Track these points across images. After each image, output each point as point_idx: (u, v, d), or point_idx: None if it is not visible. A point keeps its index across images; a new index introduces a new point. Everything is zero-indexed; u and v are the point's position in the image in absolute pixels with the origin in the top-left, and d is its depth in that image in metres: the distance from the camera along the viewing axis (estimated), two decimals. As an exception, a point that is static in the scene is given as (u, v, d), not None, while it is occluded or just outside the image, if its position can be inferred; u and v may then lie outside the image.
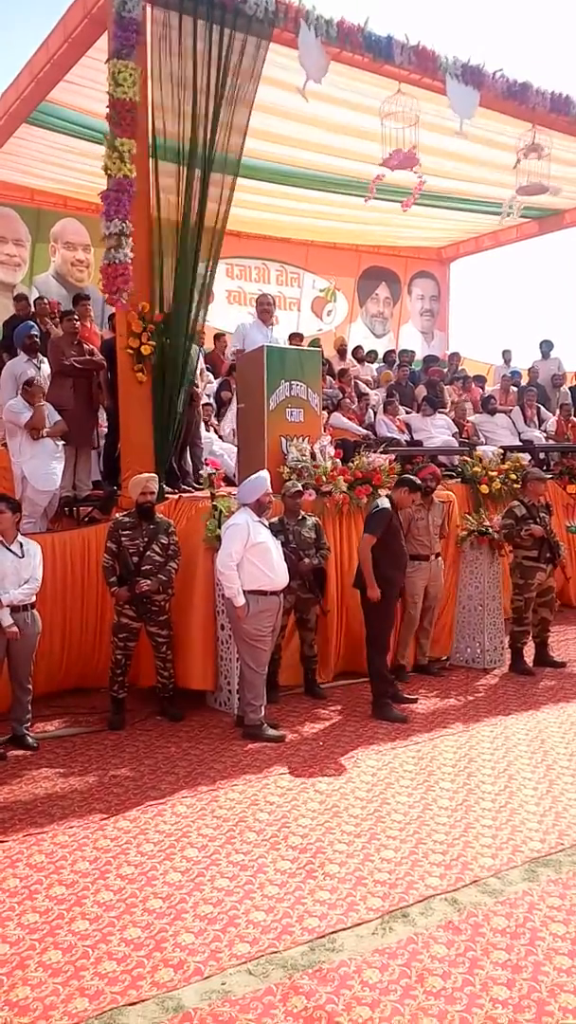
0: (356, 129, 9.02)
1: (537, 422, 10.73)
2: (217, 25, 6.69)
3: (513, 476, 8.28)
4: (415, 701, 6.29)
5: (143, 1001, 2.97)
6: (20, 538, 5.47)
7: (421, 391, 10.70)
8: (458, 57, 7.93)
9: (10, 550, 5.35)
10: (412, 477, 6.42)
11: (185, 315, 6.79)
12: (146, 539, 5.81)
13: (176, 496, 6.74)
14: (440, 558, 7.00)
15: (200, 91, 6.68)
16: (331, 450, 7.22)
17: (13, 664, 5.38)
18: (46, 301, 9.77)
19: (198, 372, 7.41)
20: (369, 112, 8.28)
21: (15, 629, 5.26)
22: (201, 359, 7.67)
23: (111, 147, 6.38)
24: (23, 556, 5.39)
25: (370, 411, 9.96)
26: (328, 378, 9.85)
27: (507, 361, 13.31)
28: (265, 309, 7.75)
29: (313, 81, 7.12)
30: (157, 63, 6.54)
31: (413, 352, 13.04)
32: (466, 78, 7.97)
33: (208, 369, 9.41)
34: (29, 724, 5.55)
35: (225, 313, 12.91)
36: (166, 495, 6.57)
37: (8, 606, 5.25)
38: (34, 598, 5.46)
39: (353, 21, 7.33)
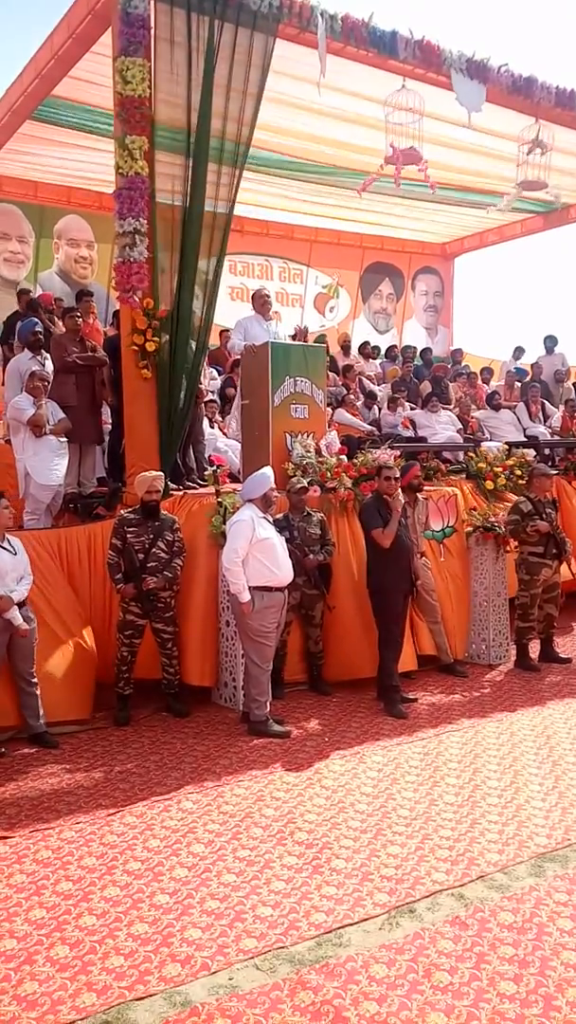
0: (361, 121, 9.00)
1: (542, 418, 10.69)
2: (220, 20, 6.67)
3: (518, 472, 8.26)
4: (415, 700, 6.28)
5: (151, 996, 2.98)
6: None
7: (426, 387, 10.69)
8: (463, 52, 7.90)
9: (4, 547, 5.34)
10: (386, 463, 6.32)
11: (188, 311, 6.78)
12: (151, 536, 5.81)
13: (180, 492, 6.74)
14: (425, 557, 6.96)
15: (206, 85, 6.64)
16: (336, 446, 7.21)
17: (15, 660, 5.34)
18: (53, 298, 9.77)
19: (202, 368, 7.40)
20: (374, 106, 8.25)
21: (27, 626, 5.27)
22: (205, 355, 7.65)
23: (121, 145, 6.38)
24: (15, 553, 5.40)
25: (375, 407, 9.95)
26: (331, 375, 9.83)
27: (516, 357, 13.26)
28: (263, 303, 7.72)
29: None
30: (163, 58, 6.51)
31: (416, 348, 13.02)
32: (471, 73, 7.94)
33: (212, 365, 9.39)
34: (45, 721, 5.50)
35: (228, 310, 12.89)
36: (171, 491, 6.57)
37: (17, 603, 5.23)
38: None
39: (358, 16, 7.33)
